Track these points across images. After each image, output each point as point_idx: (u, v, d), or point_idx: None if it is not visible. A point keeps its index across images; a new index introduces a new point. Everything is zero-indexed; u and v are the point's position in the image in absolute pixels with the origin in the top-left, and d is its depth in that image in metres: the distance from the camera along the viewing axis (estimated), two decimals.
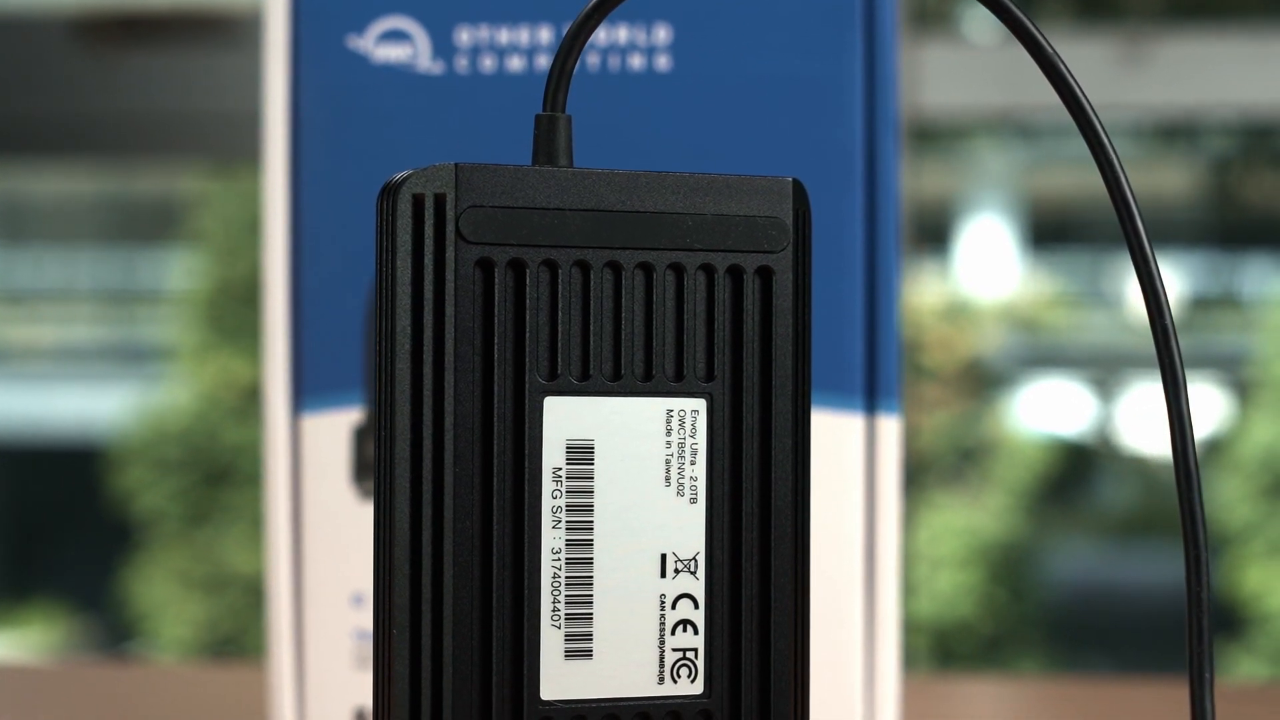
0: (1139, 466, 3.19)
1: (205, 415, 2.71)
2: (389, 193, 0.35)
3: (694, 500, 0.36)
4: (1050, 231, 3.12)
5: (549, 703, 0.35)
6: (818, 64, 0.49)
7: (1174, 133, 2.81)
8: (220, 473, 2.71)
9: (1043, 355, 3.13)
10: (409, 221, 0.35)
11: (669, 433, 0.35)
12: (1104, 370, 3.13)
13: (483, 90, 0.49)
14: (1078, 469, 3.10)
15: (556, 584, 0.35)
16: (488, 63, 0.49)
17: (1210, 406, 3.02)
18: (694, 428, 0.36)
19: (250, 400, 2.71)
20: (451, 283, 0.34)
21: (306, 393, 0.50)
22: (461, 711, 0.34)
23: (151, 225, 3.06)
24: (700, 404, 0.36)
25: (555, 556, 0.35)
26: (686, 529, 0.36)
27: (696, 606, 0.36)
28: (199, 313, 2.73)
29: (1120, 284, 3.15)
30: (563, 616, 0.35)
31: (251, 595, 2.70)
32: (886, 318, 0.49)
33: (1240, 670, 2.68)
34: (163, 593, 2.72)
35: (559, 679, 0.35)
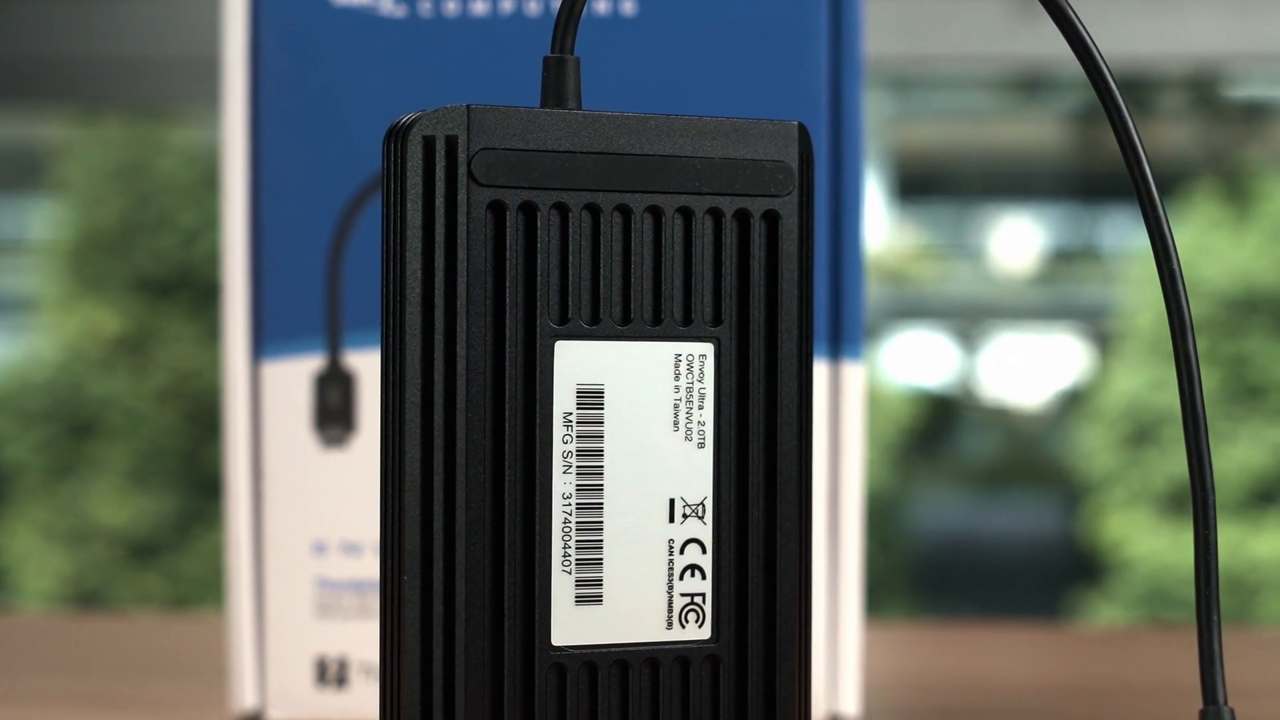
0: (1000, 417, 3.23)
1: (69, 367, 2.67)
2: (397, 135, 0.34)
3: (701, 445, 0.36)
4: (916, 184, 3.15)
5: (560, 648, 0.35)
6: (783, 8, 0.49)
7: (1038, 84, 2.84)
8: (85, 425, 2.67)
9: (908, 307, 3.16)
10: (419, 164, 0.34)
11: (677, 377, 0.35)
12: (967, 322, 3.16)
13: (446, 34, 0.49)
14: (942, 420, 3.14)
15: (567, 529, 0.35)
16: (451, 6, 0.49)
17: (1073, 358, 3.07)
18: (702, 372, 0.36)
19: (115, 351, 2.67)
20: (464, 226, 0.34)
21: (266, 339, 0.49)
22: (474, 659, 0.34)
23: (13, 173, 3.01)
24: (708, 348, 0.36)
25: (566, 502, 0.35)
26: (694, 474, 0.36)
27: (704, 551, 0.36)
28: (62, 263, 2.69)
29: (983, 236, 3.18)
30: (573, 562, 0.35)
31: (117, 548, 2.67)
32: (852, 264, 0.49)
33: (1100, 616, 2.72)
34: (26, 545, 2.68)
35: (570, 625, 0.35)
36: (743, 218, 0.36)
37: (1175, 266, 0.35)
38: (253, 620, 0.49)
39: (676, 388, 0.35)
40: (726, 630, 0.36)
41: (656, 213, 0.35)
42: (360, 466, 0.49)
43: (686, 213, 0.35)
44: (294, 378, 0.49)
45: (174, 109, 2.90)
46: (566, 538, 0.35)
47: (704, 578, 0.36)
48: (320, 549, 0.49)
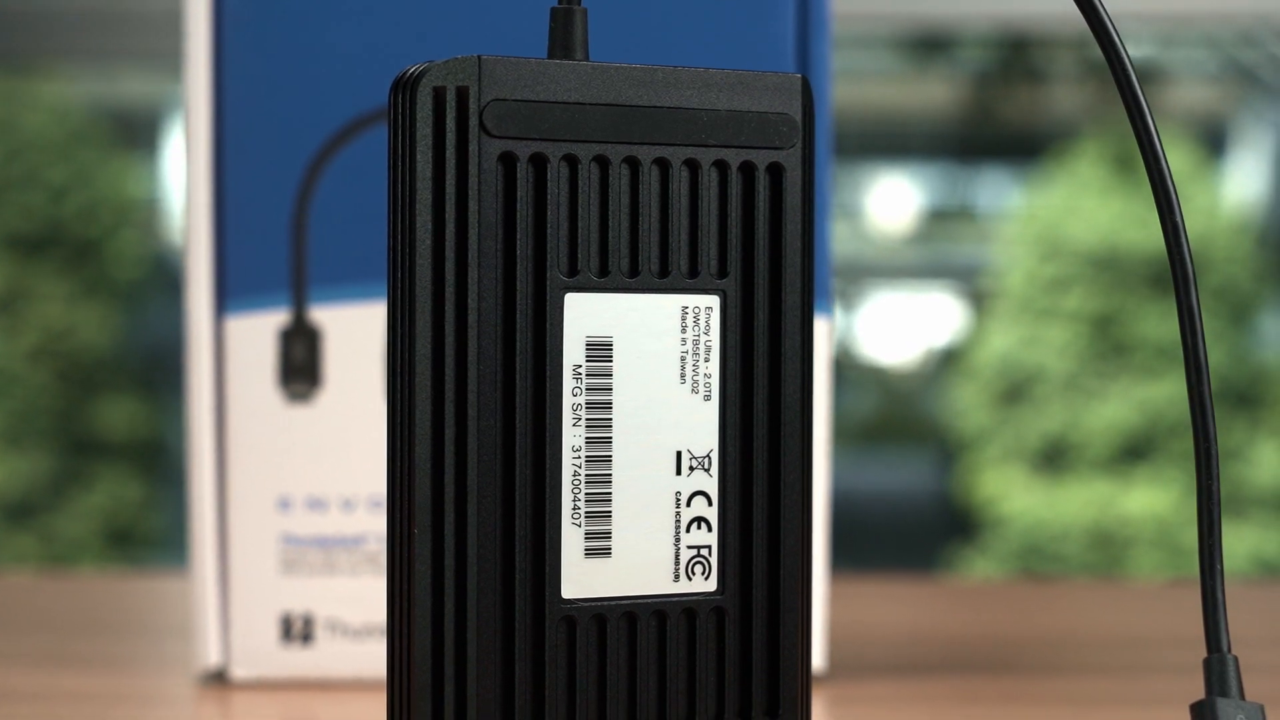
0: (876, 376, 3.25)
1: None
2: (406, 86, 0.34)
3: (708, 397, 0.36)
4: None
5: (570, 601, 0.35)
6: None
7: (922, 45, 2.86)
8: None
9: None
10: (429, 115, 0.34)
11: (684, 330, 0.35)
12: (844, 281, 3.18)
13: None
14: None
15: (577, 482, 0.35)
16: None
17: (947, 317, 3.09)
18: (708, 325, 0.36)
19: (1, 315, 2.63)
20: (475, 177, 0.34)
21: (230, 294, 0.49)
22: (485, 613, 0.34)
23: None
24: (714, 301, 0.36)
25: (575, 454, 0.35)
26: (701, 426, 0.36)
27: (710, 504, 0.36)
28: None
29: (861, 196, 3.20)
30: (583, 515, 0.35)
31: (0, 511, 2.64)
32: (820, 219, 0.49)
33: (976, 570, 2.76)
34: None
35: (579, 578, 0.35)
36: (748, 170, 0.36)
37: (1179, 220, 0.35)
38: (217, 577, 0.49)
39: (683, 340, 0.35)
40: (731, 582, 0.36)
41: (663, 165, 0.35)
42: (325, 422, 0.49)
43: (693, 165, 0.35)
44: (258, 333, 0.49)
45: (42, 63, 2.85)
46: (576, 491, 0.35)
47: (710, 530, 0.36)
48: (285, 505, 0.49)
